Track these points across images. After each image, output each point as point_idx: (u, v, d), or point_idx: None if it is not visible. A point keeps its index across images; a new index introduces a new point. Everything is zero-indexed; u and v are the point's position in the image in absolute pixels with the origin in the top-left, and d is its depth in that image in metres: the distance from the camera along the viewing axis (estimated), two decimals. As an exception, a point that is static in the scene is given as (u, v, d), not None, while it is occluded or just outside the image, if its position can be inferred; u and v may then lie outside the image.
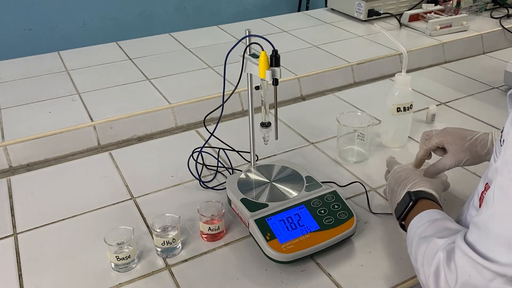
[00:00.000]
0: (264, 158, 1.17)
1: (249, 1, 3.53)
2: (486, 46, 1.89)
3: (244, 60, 0.90)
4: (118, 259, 0.84)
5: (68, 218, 1.00)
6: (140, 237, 0.93)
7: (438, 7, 2.02)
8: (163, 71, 1.62)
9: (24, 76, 1.61)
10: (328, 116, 1.36)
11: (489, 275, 0.56)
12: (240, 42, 0.89)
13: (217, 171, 1.13)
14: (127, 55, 1.78)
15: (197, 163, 1.12)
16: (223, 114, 1.03)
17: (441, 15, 1.97)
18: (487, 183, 0.69)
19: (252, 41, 0.89)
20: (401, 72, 1.14)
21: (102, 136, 1.30)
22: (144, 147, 1.27)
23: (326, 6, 2.32)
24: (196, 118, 1.39)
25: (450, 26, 1.90)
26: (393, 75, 1.24)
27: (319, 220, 0.89)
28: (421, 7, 2.05)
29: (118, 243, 0.84)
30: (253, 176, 1.02)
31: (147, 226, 0.97)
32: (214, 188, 1.07)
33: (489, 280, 0.56)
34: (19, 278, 0.86)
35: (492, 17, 2.07)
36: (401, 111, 1.15)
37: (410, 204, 0.81)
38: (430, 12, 1.99)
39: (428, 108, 1.32)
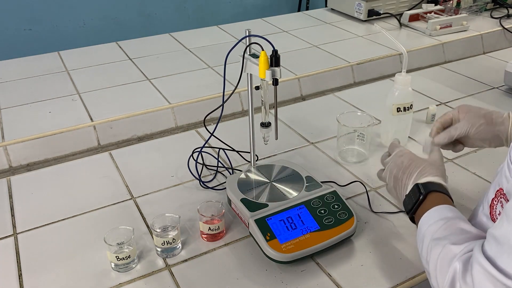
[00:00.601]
0: (264, 158, 1.17)
1: (249, 1, 3.53)
2: (486, 46, 1.89)
3: (244, 60, 0.90)
4: (118, 259, 0.84)
5: (68, 218, 1.00)
6: (140, 237, 0.93)
7: (438, 7, 2.02)
8: (163, 71, 1.62)
9: (24, 76, 1.61)
10: (328, 116, 1.36)
11: None
12: (240, 42, 0.89)
13: (217, 171, 1.13)
14: (127, 55, 1.78)
15: (197, 163, 1.12)
16: (223, 114, 1.03)
17: (441, 15, 1.97)
18: (498, 190, 0.67)
19: (252, 41, 0.89)
20: (401, 72, 1.14)
21: (102, 136, 1.30)
22: (144, 147, 1.27)
23: (326, 6, 2.32)
24: (196, 118, 1.39)
25: (450, 26, 1.90)
26: (393, 75, 1.24)
27: (319, 220, 0.89)
28: (421, 7, 2.05)
29: (118, 243, 0.84)
30: (253, 176, 1.02)
31: (147, 226, 0.97)
32: (214, 188, 1.07)
33: None
34: (19, 278, 0.86)
35: (492, 17, 2.07)
36: (401, 111, 1.15)
37: (420, 198, 0.77)
38: (430, 12, 1.99)
39: (428, 108, 1.32)
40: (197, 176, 1.09)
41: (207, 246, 0.91)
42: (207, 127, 1.07)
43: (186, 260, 0.88)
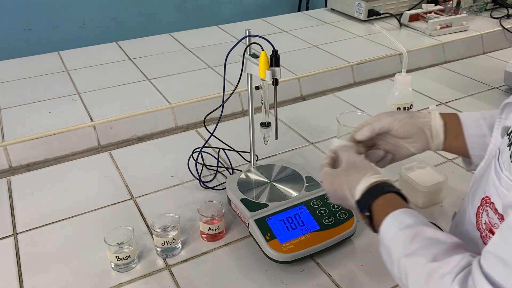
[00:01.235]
0: (264, 158, 1.17)
1: (249, 1, 3.53)
2: (486, 46, 1.89)
3: (244, 60, 0.90)
4: (118, 259, 0.84)
5: (68, 218, 1.00)
6: (140, 237, 0.93)
7: (438, 7, 2.02)
8: (163, 71, 1.62)
9: (24, 76, 1.61)
10: (328, 116, 1.36)
11: None
12: (240, 42, 0.89)
13: (217, 171, 1.13)
14: (127, 55, 1.78)
15: (197, 163, 1.12)
16: (223, 114, 1.03)
17: (441, 15, 1.97)
18: (484, 198, 0.63)
19: (252, 41, 0.89)
20: (401, 72, 1.14)
21: (102, 136, 1.30)
22: (144, 147, 1.27)
23: (326, 6, 2.32)
24: (196, 118, 1.39)
25: (450, 26, 1.90)
26: (393, 75, 1.24)
27: (319, 220, 0.89)
28: (421, 7, 2.05)
29: (118, 243, 0.84)
30: (253, 176, 1.02)
31: (147, 226, 0.97)
32: (214, 188, 1.07)
33: None
34: (19, 278, 0.86)
35: (492, 17, 2.07)
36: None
37: (367, 215, 0.70)
38: (430, 12, 1.99)
39: (428, 108, 1.32)
40: (197, 176, 1.09)
41: (207, 246, 0.91)
42: (207, 127, 1.07)
43: (186, 260, 0.88)
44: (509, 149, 0.56)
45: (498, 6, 2.15)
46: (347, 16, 2.15)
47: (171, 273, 0.85)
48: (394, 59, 1.71)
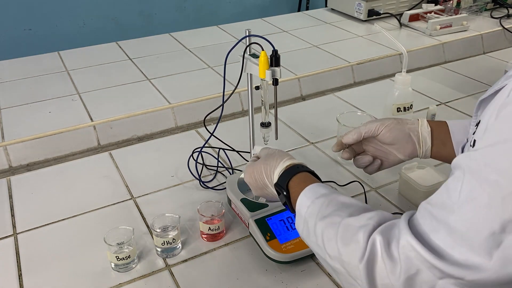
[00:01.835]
0: (264, 158, 1.17)
1: (249, 1, 3.53)
2: (486, 46, 1.89)
3: (244, 60, 0.90)
4: (118, 259, 0.84)
5: (68, 218, 1.00)
6: (140, 237, 0.93)
7: (438, 7, 2.02)
8: (163, 71, 1.62)
9: (24, 76, 1.61)
10: (328, 116, 1.36)
11: (439, 274, 0.50)
12: (240, 42, 0.89)
13: (217, 171, 1.13)
14: (127, 55, 1.78)
15: (197, 163, 1.12)
16: (223, 114, 1.03)
17: (441, 15, 1.97)
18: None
19: (252, 41, 0.89)
20: (401, 72, 1.14)
21: (102, 136, 1.30)
22: (144, 147, 1.27)
23: (326, 6, 2.32)
24: (196, 118, 1.39)
25: (450, 26, 1.90)
26: (393, 75, 1.24)
27: (319, 220, 0.88)
28: (421, 7, 2.05)
29: (118, 243, 0.84)
30: (253, 176, 1.02)
31: (147, 226, 0.97)
32: (214, 188, 1.07)
33: (439, 278, 0.50)
34: (19, 278, 0.86)
35: (492, 17, 2.07)
36: (401, 111, 1.15)
37: (285, 193, 0.74)
38: (430, 12, 1.99)
39: (428, 108, 1.32)
40: (197, 176, 1.09)
41: (207, 246, 0.91)
42: (207, 127, 1.07)
43: (186, 260, 0.88)
44: (472, 136, 0.57)
45: (498, 6, 2.15)
46: (347, 16, 2.15)
47: (171, 273, 0.85)
48: (394, 59, 1.71)
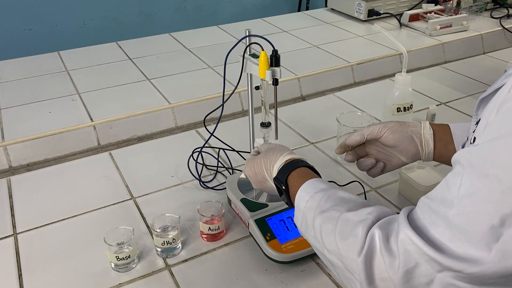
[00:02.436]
0: (264, 158, 1.17)
1: (249, 1, 3.53)
2: (486, 46, 1.89)
3: (244, 60, 0.90)
4: (118, 259, 0.84)
5: (68, 218, 1.00)
6: (140, 237, 0.93)
7: (438, 7, 2.02)
8: (163, 71, 1.62)
9: (24, 76, 1.61)
10: (328, 116, 1.36)
11: (438, 267, 0.50)
12: (240, 42, 0.89)
13: (217, 171, 1.13)
14: (127, 55, 1.78)
15: (197, 163, 1.12)
16: (223, 114, 1.03)
17: (441, 15, 1.97)
18: None
19: (252, 41, 0.89)
20: (401, 72, 1.14)
21: (102, 136, 1.30)
22: (144, 147, 1.27)
23: (326, 6, 2.32)
24: (196, 118, 1.39)
25: (450, 26, 1.90)
26: (393, 75, 1.24)
27: (319, 220, 0.88)
28: (421, 7, 2.05)
29: (118, 243, 0.84)
30: (253, 176, 1.02)
31: (147, 226, 0.97)
32: (214, 188, 1.07)
33: (437, 271, 0.50)
34: (19, 278, 0.86)
35: (492, 17, 2.07)
36: (401, 111, 1.15)
37: (283, 188, 0.75)
38: (430, 12, 1.99)
39: (428, 108, 1.32)
40: (197, 176, 1.09)
41: (207, 246, 0.91)
42: (207, 127, 1.07)
43: (186, 260, 0.88)
44: (473, 134, 0.57)
45: (498, 6, 2.15)
46: (347, 16, 2.15)
47: (171, 273, 0.85)
48: (394, 59, 1.71)
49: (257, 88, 0.91)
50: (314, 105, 1.48)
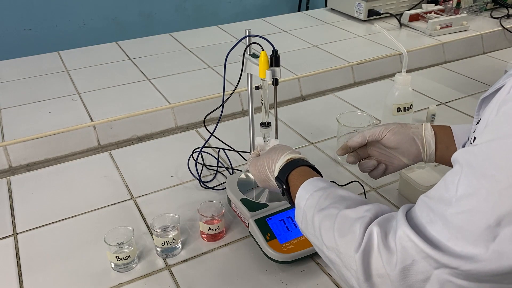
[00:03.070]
0: (264, 158, 1.17)
1: (249, 1, 3.53)
2: (486, 46, 1.89)
3: (244, 60, 0.90)
4: (118, 259, 0.84)
5: (68, 218, 1.00)
6: (140, 237, 0.93)
7: (438, 7, 2.02)
8: (163, 71, 1.62)
9: (24, 76, 1.61)
10: (328, 116, 1.36)
11: (434, 264, 0.50)
12: (240, 42, 0.89)
13: (217, 171, 1.13)
14: (127, 55, 1.78)
15: (197, 163, 1.12)
16: (223, 114, 1.03)
17: (441, 15, 1.97)
18: None
19: (252, 41, 0.89)
20: (401, 72, 1.14)
21: (102, 136, 1.30)
22: (144, 147, 1.27)
23: (326, 6, 2.32)
24: (196, 118, 1.39)
25: (450, 26, 1.90)
26: (393, 75, 1.24)
27: (319, 220, 0.88)
28: (421, 7, 2.05)
29: (118, 243, 0.84)
30: (253, 176, 1.02)
31: (147, 226, 0.97)
32: (214, 188, 1.07)
33: (434, 268, 0.50)
34: (19, 278, 0.86)
35: (492, 17, 2.07)
36: (401, 111, 1.15)
37: (284, 187, 0.75)
38: (430, 12, 1.99)
39: (428, 108, 1.32)
40: (197, 176, 1.09)
41: (207, 246, 0.91)
42: (207, 127, 1.07)
43: (186, 260, 0.88)
44: (473, 134, 0.57)
45: (498, 6, 2.15)
46: (347, 16, 2.15)
47: (171, 273, 0.85)
48: (394, 59, 1.71)
49: (257, 88, 0.91)
50: (314, 105, 1.48)
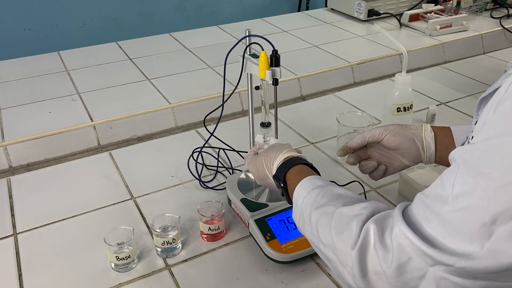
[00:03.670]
0: (264, 158, 1.17)
1: (249, 1, 3.53)
2: (486, 46, 1.89)
3: (244, 60, 0.90)
4: (118, 259, 0.84)
5: (68, 218, 1.00)
6: (140, 237, 0.93)
7: (438, 7, 2.02)
8: (163, 71, 1.62)
9: (24, 76, 1.61)
10: (328, 116, 1.36)
11: (430, 261, 0.50)
12: (240, 42, 0.89)
13: (217, 171, 1.13)
14: (127, 55, 1.78)
15: (197, 163, 1.12)
16: (223, 114, 1.03)
17: (441, 15, 1.97)
18: None
19: (252, 41, 0.89)
20: (401, 72, 1.14)
21: (102, 136, 1.30)
22: (144, 147, 1.27)
23: (326, 6, 2.32)
24: (196, 118, 1.39)
25: (450, 26, 1.90)
26: (393, 75, 1.24)
27: (319, 220, 0.88)
28: (421, 7, 2.05)
29: (118, 243, 0.84)
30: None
31: (147, 226, 0.97)
32: (214, 188, 1.07)
33: (430, 265, 0.50)
34: (19, 278, 0.86)
35: (492, 17, 2.07)
36: (401, 111, 1.15)
37: (282, 185, 0.76)
38: (430, 12, 1.99)
39: (428, 108, 1.32)
40: (197, 176, 1.09)
41: (207, 246, 0.91)
42: (207, 127, 1.07)
43: (186, 260, 0.88)
44: (471, 133, 0.57)
45: (498, 6, 2.15)
46: (347, 16, 2.15)
47: (171, 273, 0.85)
48: (394, 59, 1.71)
49: (257, 88, 0.91)
50: (314, 105, 1.48)
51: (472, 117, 0.70)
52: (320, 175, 0.77)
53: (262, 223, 0.88)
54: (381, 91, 1.49)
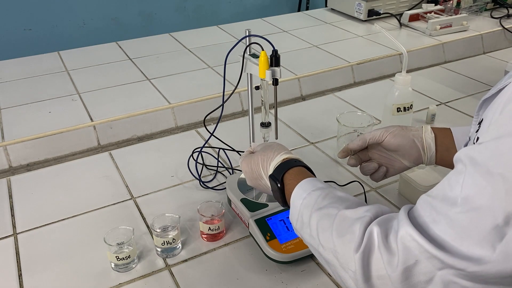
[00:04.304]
0: (264, 158, 1.17)
1: (249, 1, 3.53)
2: (486, 46, 1.89)
3: (244, 60, 0.90)
4: (118, 259, 0.84)
5: (68, 218, 1.00)
6: (140, 237, 0.93)
7: (438, 7, 2.02)
8: (163, 71, 1.62)
9: (24, 76, 1.61)
10: (328, 116, 1.36)
11: (439, 264, 0.49)
12: (240, 42, 0.89)
13: (217, 171, 1.13)
14: (127, 55, 1.78)
15: (197, 163, 1.12)
16: (223, 114, 1.03)
17: (441, 15, 1.97)
18: None
19: (252, 41, 0.89)
20: (401, 72, 1.14)
21: (102, 136, 1.30)
22: (144, 147, 1.27)
23: (326, 6, 2.32)
24: (196, 118, 1.39)
25: (450, 26, 1.90)
26: (393, 75, 1.24)
27: (319, 220, 0.88)
28: (421, 7, 2.05)
29: (118, 243, 0.84)
30: (253, 176, 1.02)
31: (147, 226, 0.97)
32: (214, 188, 1.07)
33: (438, 269, 0.49)
34: (19, 278, 0.86)
35: (492, 17, 2.07)
36: (401, 111, 1.15)
37: (279, 185, 0.74)
38: (430, 12, 1.99)
39: (428, 108, 1.32)
40: (197, 176, 1.09)
41: (207, 246, 0.91)
42: (207, 127, 1.07)
43: (186, 260, 0.88)
44: (475, 134, 0.56)
45: (498, 6, 2.15)
46: (347, 16, 2.15)
47: (171, 273, 0.85)
48: (394, 59, 1.71)
49: (257, 88, 0.91)
50: (314, 105, 1.48)
51: (472, 117, 0.70)
52: (315, 176, 0.76)
53: (262, 223, 0.88)
54: (381, 91, 1.49)
